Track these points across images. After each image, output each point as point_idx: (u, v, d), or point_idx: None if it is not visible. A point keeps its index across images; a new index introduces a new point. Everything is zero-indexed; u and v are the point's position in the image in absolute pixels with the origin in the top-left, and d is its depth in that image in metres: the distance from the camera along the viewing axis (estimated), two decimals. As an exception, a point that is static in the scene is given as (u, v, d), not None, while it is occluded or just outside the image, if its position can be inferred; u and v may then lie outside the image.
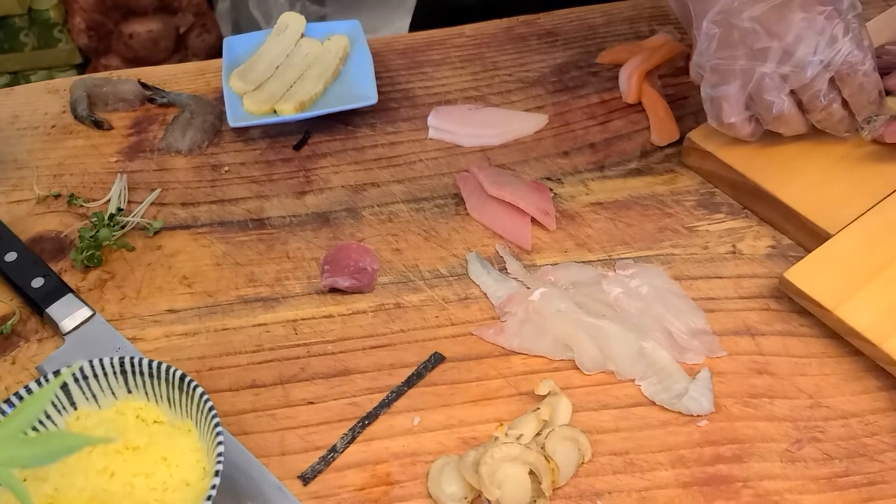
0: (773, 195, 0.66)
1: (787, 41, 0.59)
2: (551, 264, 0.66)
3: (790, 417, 0.56)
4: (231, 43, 0.82)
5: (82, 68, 1.90)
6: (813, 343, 0.60)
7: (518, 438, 0.53)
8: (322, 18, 1.92)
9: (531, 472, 0.52)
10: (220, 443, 0.47)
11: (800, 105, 0.63)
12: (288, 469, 0.55)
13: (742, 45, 0.60)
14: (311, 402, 0.58)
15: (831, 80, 0.61)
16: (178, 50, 1.84)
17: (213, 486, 0.45)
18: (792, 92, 0.62)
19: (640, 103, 0.78)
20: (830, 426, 0.56)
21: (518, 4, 0.88)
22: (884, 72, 0.67)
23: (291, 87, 0.78)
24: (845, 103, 0.63)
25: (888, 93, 0.67)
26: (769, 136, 0.68)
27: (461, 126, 0.76)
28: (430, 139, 0.77)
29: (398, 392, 0.58)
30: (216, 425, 0.47)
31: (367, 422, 0.57)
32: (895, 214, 0.63)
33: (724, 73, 0.62)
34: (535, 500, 0.52)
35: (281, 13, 0.85)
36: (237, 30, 1.87)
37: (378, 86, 0.78)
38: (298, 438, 0.56)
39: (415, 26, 1.01)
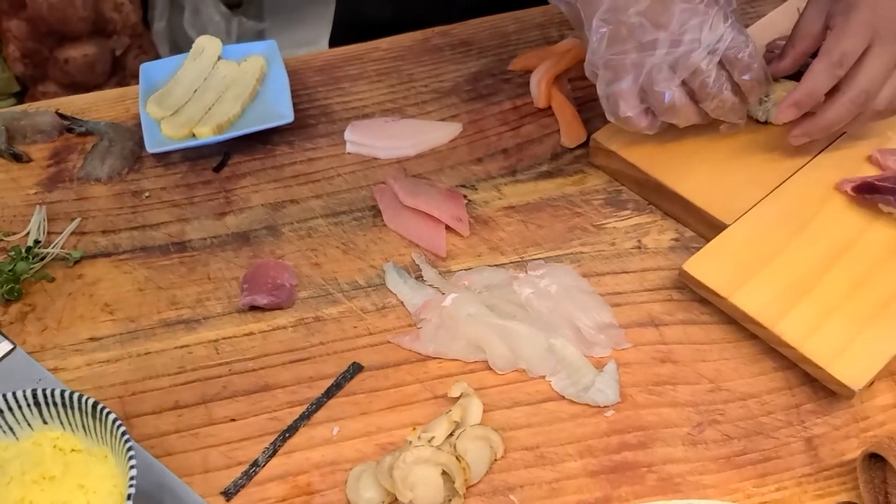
0: (673, 190, 0.69)
1: (671, 31, 0.62)
2: (465, 269, 0.68)
3: (692, 402, 0.59)
4: (147, 69, 0.83)
5: (21, 96, 1.88)
6: (713, 330, 0.63)
7: (430, 441, 0.55)
8: (260, 34, 1.93)
9: (444, 473, 0.54)
10: (132, 466, 0.48)
11: (693, 95, 0.65)
12: (211, 486, 0.56)
13: (631, 39, 0.63)
14: (234, 419, 0.60)
15: (720, 67, 0.63)
16: (116, 73, 1.83)
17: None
18: (683, 83, 0.64)
19: (550, 107, 0.80)
20: (729, 408, 0.59)
21: (431, 16, 0.90)
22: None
23: (209, 109, 0.80)
24: (736, 90, 0.65)
25: (774, 79, 0.70)
26: (669, 134, 0.71)
27: (378, 139, 0.78)
28: (348, 153, 0.78)
29: (318, 404, 0.60)
30: (129, 449, 0.49)
31: (287, 435, 0.58)
32: (786, 203, 0.67)
33: (617, 68, 0.64)
34: (449, 500, 0.54)
35: (217, 31, 0.86)
36: (175, 49, 1.86)
37: (296, 103, 0.80)
38: (221, 455, 0.58)
39: (333, 41, 1.02)
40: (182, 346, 0.64)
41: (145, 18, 1.87)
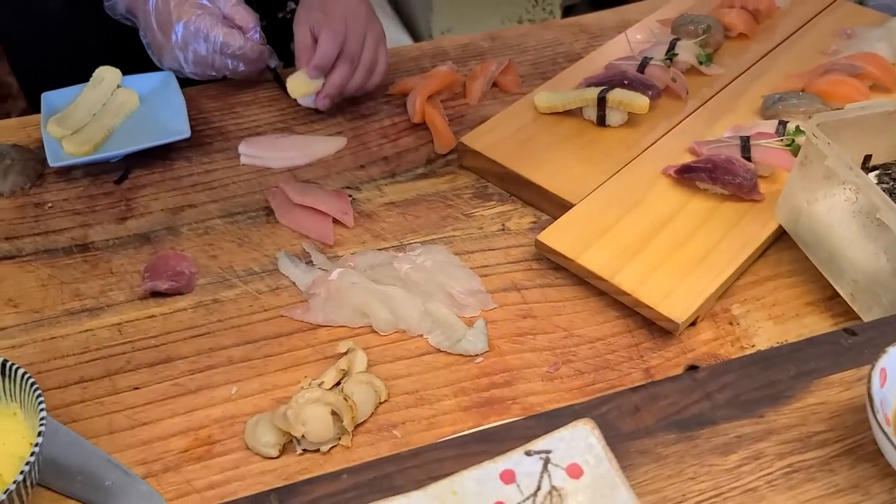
0: (529, 180, 0.80)
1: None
2: (351, 253, 0.76)
3: (549, 347, 0.68)
4: (48, 98, 0.88)
5: None
6: (566, 290, 0.73)
7: (320, 385, 0.61)
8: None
9: (334, 413, 0.60)
10: (42, 409, 0.52)
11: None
12: (117, 444, 0.60)
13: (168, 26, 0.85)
14: (137, 388, 0.64)
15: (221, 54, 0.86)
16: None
17: (33, 454, 0.50)
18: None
19: (424, 122, 0.91)
20: (581, 350, 0.68)
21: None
22: None
23: (111, 131, 0.86)
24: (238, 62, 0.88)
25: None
26: (525, 136, 0.83)
27: (269, 151, 0.87)
28: (243, 165, 0.86)
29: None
30: (38, 396, 0.53)
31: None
32: (622, 186, 0.79)
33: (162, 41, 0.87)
34: (339, 437, 0.60)
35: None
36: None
37: (193, 125, 0.87)
38: (125, 418, 0.62)
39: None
40: (86, 331, 0.69)
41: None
